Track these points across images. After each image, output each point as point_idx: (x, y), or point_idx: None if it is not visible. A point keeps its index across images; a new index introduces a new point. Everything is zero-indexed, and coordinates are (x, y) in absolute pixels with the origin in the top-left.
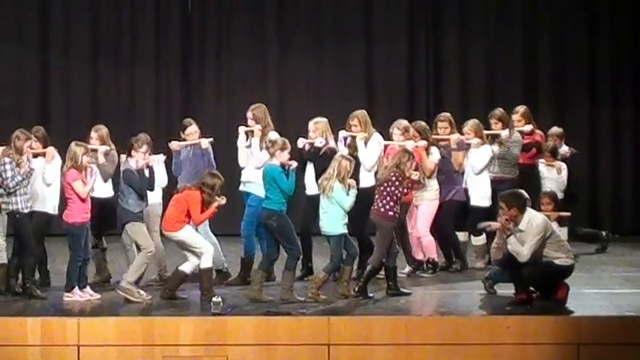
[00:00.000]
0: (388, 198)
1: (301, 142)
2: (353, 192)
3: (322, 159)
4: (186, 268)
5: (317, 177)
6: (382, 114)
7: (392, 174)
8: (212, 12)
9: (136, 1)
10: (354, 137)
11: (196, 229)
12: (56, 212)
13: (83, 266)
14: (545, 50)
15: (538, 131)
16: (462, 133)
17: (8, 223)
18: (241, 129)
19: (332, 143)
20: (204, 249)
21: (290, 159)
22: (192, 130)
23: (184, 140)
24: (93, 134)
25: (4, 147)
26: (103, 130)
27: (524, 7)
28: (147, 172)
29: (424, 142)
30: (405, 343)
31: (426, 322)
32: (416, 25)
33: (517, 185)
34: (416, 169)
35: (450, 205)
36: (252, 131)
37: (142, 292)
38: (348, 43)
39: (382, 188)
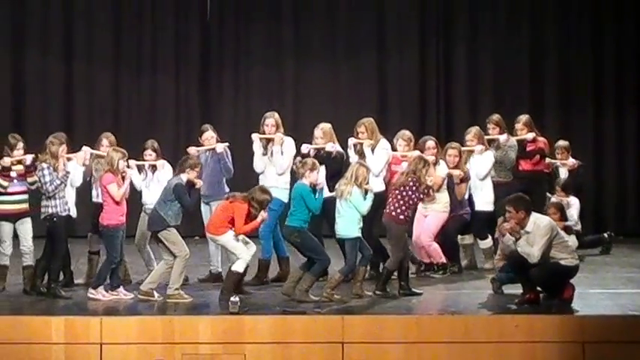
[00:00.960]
0: (402, 202)
1: (305, 148)
2: (370, 196)
3: (333, 162)
4: (238, 267)
5: (328, 179)
6: (394, 121)
7: (409, 179)
8: (230, 22)
9: (157, 12)
10: (361, 144)
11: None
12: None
13: (117, 267)
14: (551, 59)
15: (541, 138)
16: (463, 142)
17: (37, 225)
18: (255, 136)
19: (338, 147)
20: (242, 254)
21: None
22: (209, 135)
23: (202, 145)
24: (104, 141)
25: (40, 154)
26: (112, 137)
27: (531, 19)
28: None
29: (432, 157)
30: (417, 341)
31: (437, 320)
32: (427, 37)
33: (513, 189)
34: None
35: (458, 220)
36: (270, 139)
37: (185, 294)
38: (362, 53)
39: (397, 192)
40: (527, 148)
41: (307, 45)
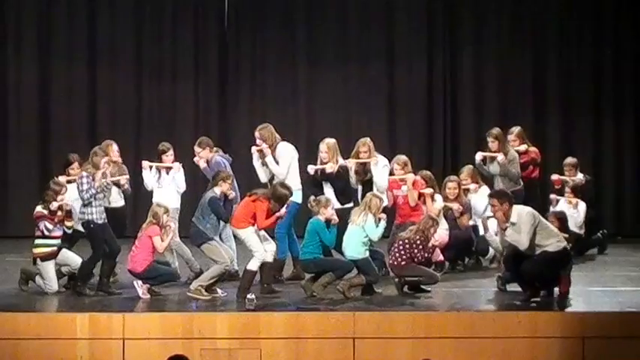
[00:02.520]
0: (406, 256)
1: (311, 169)
2: (382, 224)
3: (337, 178)
4: (252, 265)
5: (336, 193)
6: (403, 128)
7: (418, 237)
8: (247, 32)
9: (177, 22)
10: (362, 164)
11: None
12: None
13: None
14: (553, 69)
15: (532, 149)
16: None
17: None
18: (253, 149)
19: (341, 161)
20: (257, 253)
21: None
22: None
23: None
24: (114, 147)
25: (83, 163)
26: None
27: (532, 31)
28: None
29: (430, 190)
30: (425, 337)
31: (444, 317)
32: (434, 47)
33: (519, 199)
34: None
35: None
36: (262, 151)
37: (205, 292)
38: (372, 62)
39: (402, 245)
40: (521, 160)
41: (320, 55)
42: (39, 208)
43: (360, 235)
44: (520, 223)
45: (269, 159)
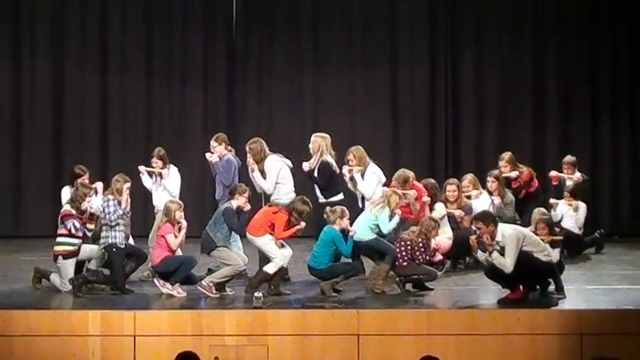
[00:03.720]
0: (407, 257)
1: (305, 166)
2: (395, 219)
3: (320, 174)
4: (269, 269)
5: (319, 189)
6: (406, 130)
7: (420, 240)
8: (254, 38)
9: (186, 28)
10: (351, 171)
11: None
12: None
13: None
14: (551, 72)
15: (523, 169)
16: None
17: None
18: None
19: (328, 158)
20: (277, 259)
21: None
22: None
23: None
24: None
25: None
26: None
27: (532, 34)
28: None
29: (428, 199)
30: (427, 333)
31: (446, 314)
32: (435, 50)
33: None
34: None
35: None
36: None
37: (214, 289)
38: (376, 66)
39: (404, 246)
40: (513, 186)
41: (325, 59)
42: (67, 207)
43: (371, 220)
44: (505, 243)
45: (256, 174)
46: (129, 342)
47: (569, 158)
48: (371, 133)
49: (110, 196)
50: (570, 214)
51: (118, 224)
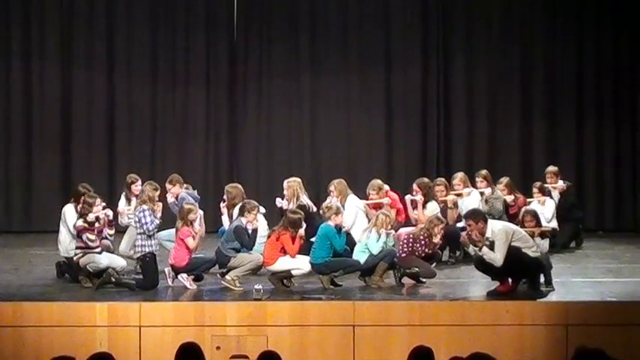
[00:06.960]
0: (408, 249)
1: (279, 202)
2: (382, 239)
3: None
4: (296, 272)
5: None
6: (399, 130)
7: (422, 234)
8: (254, 42)
9: (189, 32)
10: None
11: None
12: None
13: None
14: (538, 75)
15: (520, 196)
16: (451, 184)
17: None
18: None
19: (304, 200)
20: (300, 270)
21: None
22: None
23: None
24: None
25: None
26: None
27: (520, 37)
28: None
29: (420, 197)
30: (420, 324)
31: (438, 306)
32: (428, 53)
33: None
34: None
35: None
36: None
37: (238, 283)
38: (371, 68)
39: (406, 239)
40: (511, 212)
41: (322, 61)
42: (79, 222)
43: (362, 245)
44: (494, 239)
45: (224, 217)
46: (134, 332)
47: (551, 168)
48: (366, 132)
49: (145, 206)
50: (539, 211)
51: (153, 234)
